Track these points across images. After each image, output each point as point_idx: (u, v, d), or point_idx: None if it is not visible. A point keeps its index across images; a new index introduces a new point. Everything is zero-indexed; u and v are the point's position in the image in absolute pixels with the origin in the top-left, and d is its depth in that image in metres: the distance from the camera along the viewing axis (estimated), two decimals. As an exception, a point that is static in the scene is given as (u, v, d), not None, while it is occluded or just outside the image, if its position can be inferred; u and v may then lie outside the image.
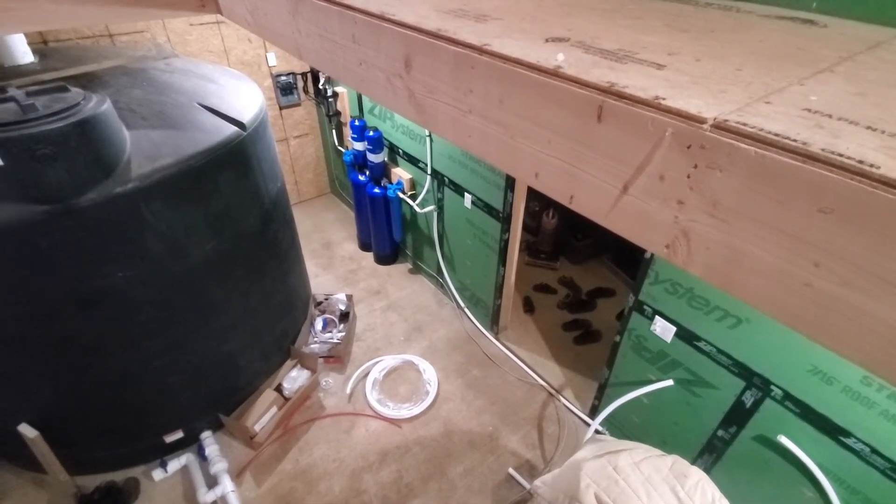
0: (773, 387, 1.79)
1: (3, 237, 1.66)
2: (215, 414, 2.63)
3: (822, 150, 0.40)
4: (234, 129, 2.19)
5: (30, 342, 1.94)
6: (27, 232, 1.68)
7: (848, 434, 1.63)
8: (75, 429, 2.31)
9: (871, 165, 0.38)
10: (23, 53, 2.30)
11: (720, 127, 0.45)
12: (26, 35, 2.39)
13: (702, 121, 0.47)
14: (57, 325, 1.93)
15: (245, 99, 2.47)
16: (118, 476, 2.48)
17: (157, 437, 2.49)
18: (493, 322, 3.38)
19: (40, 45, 3.01)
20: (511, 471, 2.57)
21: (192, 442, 2.60)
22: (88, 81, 2.14)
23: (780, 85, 0.55)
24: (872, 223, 0.37)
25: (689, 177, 0.49)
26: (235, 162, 2.21)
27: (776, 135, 0.43)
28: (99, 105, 1.80)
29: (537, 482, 1.78)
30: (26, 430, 2.13)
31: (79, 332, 1.98)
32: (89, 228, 1.79)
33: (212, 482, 2.41)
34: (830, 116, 0.46)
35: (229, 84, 2.58)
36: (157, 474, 2.45)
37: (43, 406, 2.17)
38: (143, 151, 1.91)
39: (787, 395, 1.75)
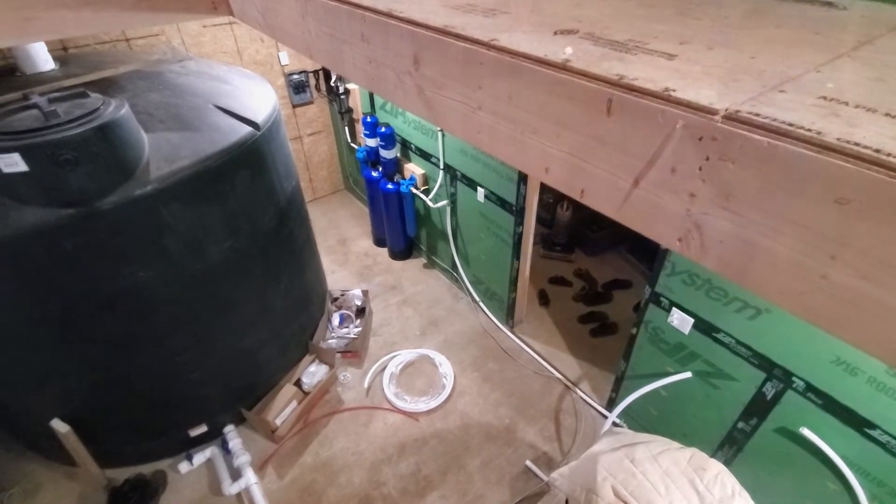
0: (794, 378, 1.76)
1: (31, 240, 1.72)
2: (237, 408, 2.70)
3: (838, 139, 0.39)
4: (248, 129, 2.22)
5: (58, 341, 2.01)
6: (52, 234, 1.74)
7: (873, 426, 1.59)
8: (104, 424, 2.40)
9: (889, 154, 0.37)
10: (44, 61, 2.37)
11: (732, 118, 0.45)
12: (47, 43, 2.46)
13: (713, 112, 0.46)
14: (83, 324, 2.00)
15: (258, 99, 2.50)
16: (146, 469, 2.56)
17: (183, 432, 2.56)
18: (509, 315, 3.37)
19: (60, 51, 3.08)
20: (528, 463, 2.58)
21: (215, 436, 2.67)
22: (107, 86, 2.19)
23: (795, 72, 0.53)
24: (891, 214, 0.37)
25: (700, 169, 0.48)
26: (250, 161, 2.24)
27: (790, 124, 0.42)
28: (118, 110, 1.84)
29: (554, 474, 1.78)
30: (58, 426, 2.21)
31: (104, 330, 2.05)
32: (111, 230, 1.84)
33: (235, 474, 2.47)
34: (847, 104, 0.45)
35: (243, 84, 2.61)
36: (184, 467, 2.53)
37: (73, 402, 2.25)
38: (160, 153, 1.95)
39: (810, 387, 1.72)
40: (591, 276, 3.82)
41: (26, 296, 1.85)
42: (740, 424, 2.03)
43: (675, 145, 0.49)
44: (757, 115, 0.44)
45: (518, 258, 3.02)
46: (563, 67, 0.58)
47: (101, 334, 2.06)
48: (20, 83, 2.21)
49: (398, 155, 3.64)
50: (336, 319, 3.37)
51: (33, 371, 2.11)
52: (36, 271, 1.80)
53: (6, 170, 1.63)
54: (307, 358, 3.04)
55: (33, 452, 2.66)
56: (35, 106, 1.80)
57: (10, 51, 2.44)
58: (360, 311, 3.46)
